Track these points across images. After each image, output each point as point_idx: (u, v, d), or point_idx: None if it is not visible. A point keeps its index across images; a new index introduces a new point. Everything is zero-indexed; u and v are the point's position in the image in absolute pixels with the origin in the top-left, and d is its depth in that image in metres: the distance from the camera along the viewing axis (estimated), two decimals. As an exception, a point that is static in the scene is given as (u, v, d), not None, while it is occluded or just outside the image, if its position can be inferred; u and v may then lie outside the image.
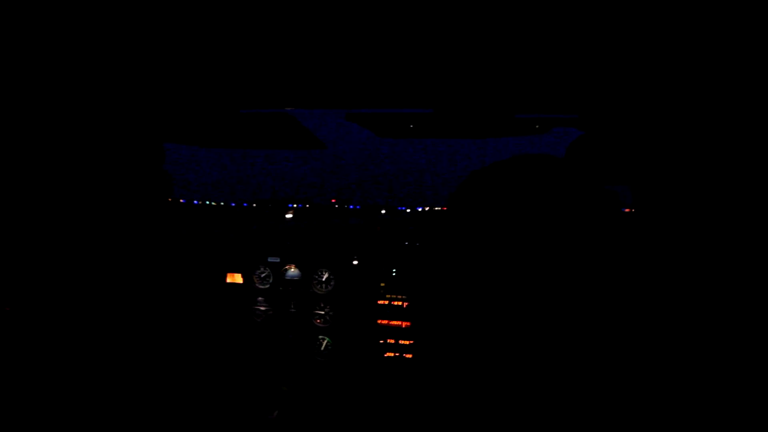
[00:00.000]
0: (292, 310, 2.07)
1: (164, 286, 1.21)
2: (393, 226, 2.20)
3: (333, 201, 2.31)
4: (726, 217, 0.79)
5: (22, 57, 1.02)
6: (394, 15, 0.80)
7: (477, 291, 0.59)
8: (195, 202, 2.28)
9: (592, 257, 0.57)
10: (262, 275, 2.12)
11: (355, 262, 2.04)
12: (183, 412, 1.19)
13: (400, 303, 1.96)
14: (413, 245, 2.08)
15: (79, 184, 1.08)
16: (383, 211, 2.24)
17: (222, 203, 2.32)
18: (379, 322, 1.97)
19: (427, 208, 2.21)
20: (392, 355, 1.94)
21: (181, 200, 2.24)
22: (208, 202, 2.31)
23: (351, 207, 2.26)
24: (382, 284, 1.99)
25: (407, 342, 1.93)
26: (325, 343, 2.04)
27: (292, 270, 2.10)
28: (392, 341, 1.95)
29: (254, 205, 2.33)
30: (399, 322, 1.95)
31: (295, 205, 2.30)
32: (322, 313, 2.05)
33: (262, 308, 2.10)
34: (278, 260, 2.10)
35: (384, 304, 1.97)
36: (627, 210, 0.97)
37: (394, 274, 1.98)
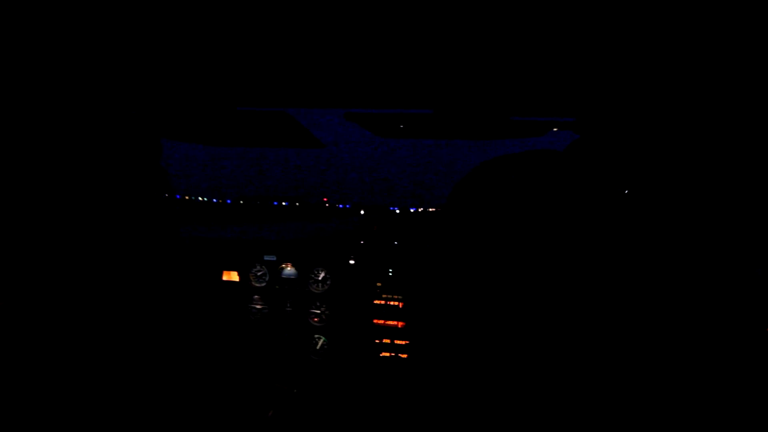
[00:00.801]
0: (288, 308, 2.07)
1: (159, 283, 1.20)
2: (390, 225, 2.21)
3: (325, 200, 2.31)
4: (724, 219, 0.79)
5: (18, 53, 1.02)
6: (394, 15, 0.80)
7: (472, 290, 0.60)
8: (189, 198, 2.28)
9: (590, 257, 0.58)
10: (259, 273, 2.11)
11: (352, 262, 2.04)
12: (177, 410, 1.19)
13: (396, 303, 1.96)
14: (410, 245, 2.08)
15: (74, 180, 1.08)
16: (373, 211, 2.24)
17: (216, 200, 2.32)
18: (374, 321, 1.97)
19: (420, 209, 2.21)
20: (388, 354, 1.95)
21: (176, 196, 2.24)
22: (203, 199, 2.31)
23: (341, 206, 2.26)
24: (379, 284, 1.99)
25: (403, 342, 1.94)
26: (320, 342, 2.04)
27: (289, 268, 2.10)
28: (388, 341, 1.95)
29: (241, 201, 2.33)
30: (395, 322, 1.95)
31: (282, 203, 2.30)
32: (318, 312, 2.05)
33: (258, 307, 2.09)
34: (274, 258, 2.10)
35: (380, 304, 1.97)
36: (624, 211, 0.98)
37: (390, 273, 1.99)
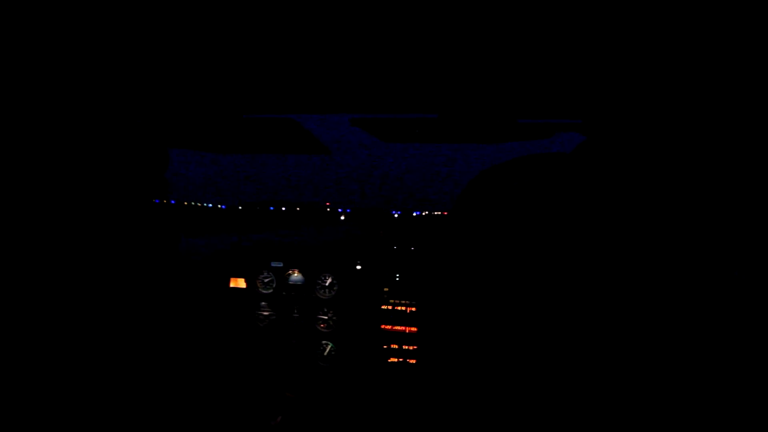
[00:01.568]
0: (296, 315, 2.07)
1: (168, 291, 1.21)
2: (397, 230, 2.20)
3: (327, 204, 2.31)
4: (730, 220, 0.78)
5: (27, 60, 1.03)
6: (400, 20, 0.80)
7: (480, 294, 0.59)
8: (195, 204, 2.29)
9: (598, 261, 0.57)
10: (266, 280, 2.12)
11: (359, 267, 2.04)
12: (186, 417, 1.19)
13: (403, 308, 1.95)
14: (417, 250, 2.07)
15: (83, 189, 1.08)
16: (376, 215, 2.23)
17: (223, 206, 2.33)
18: (382, 327, 1.96)
19: (425, 213, 2.20)
20: (396, 360, 1.94)
21: (195, 204, 2.25)
22: (208, 205, 2.32)
23: (339, 210, 2.26)
24: (386, 289, 1.98)
25: (411, 347, 1.92)
26: (328, 348, 2.04)
27: (296, 275, 2.10)
28: (396, 346, 1.94)
29: (240, 207, 2.34)
30: (403, 328, 1.94)
31: (283, 208, 2.29)
32: (326, 318, 2.04)
33: (265, 313, 2.09)
34: (281, 265, 2.10)
35: (387, 309, 1.97)
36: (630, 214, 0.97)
37: (397, 279, 1.98)
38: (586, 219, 0.58)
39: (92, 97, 1.28)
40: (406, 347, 1.93)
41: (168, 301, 1.16)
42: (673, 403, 0.63)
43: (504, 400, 0.59)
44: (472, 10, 0.75)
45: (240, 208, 2.35)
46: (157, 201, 1.22)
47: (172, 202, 2.19)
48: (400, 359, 1.93)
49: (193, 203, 2.26)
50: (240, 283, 2.12)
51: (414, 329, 1.93)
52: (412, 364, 1.92)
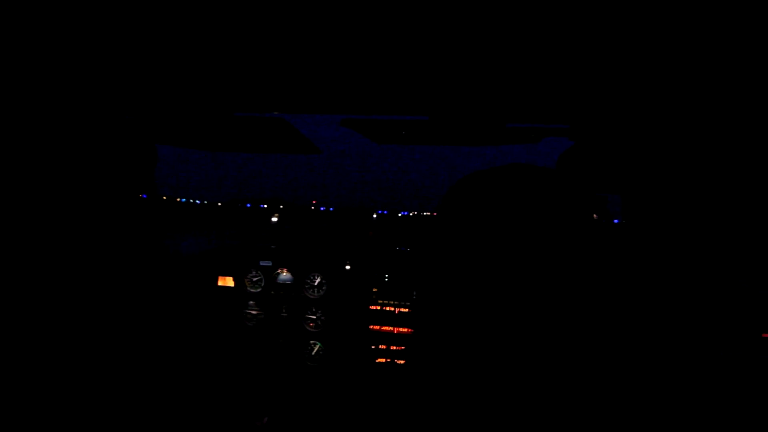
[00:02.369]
0: (284, 314, 2.07)
1: (153, 288, 1.20)
2: (385, 230, 2.21)
3: (314, 202, 2.31)
4: (714, 225, 0.80)
5: (13, 55, 1.02)
6: (391, 22, 0.80)
7: (466, 297, 0.60)
8: (182, 200, 2.27)
9: (584, 265, 0.58)
10: (254, 279, 2.11)
11: (348, 267, 2.04)
12: (171, 417, 1.18)
13: (392, 309, 1.96)
14: (407, 250, 2.08)
15: (68, 185, 1.07)
16: (361, 214, 2.24)
17: (206, 201, 2.32)
18: (371, 327, 1.96)
19: (412, 213, 2.21)
20: (384, 360, 1.94)
21: (180, 199, 2.23)
22: (195, 201, 2.30)
23: (322, 209, 2.27)
24: (375, 289, 1.99)
25: (399, 348, 1.93)
26: (316, 348, 2.04)
27: (284, 274, 2.09)
28: (384, 347, 1.94)
29: (218, 204, 2.33)
30: (391, 328, 1.95)
31: (265, 206, 2.29)
32: (314, 317, 2.04)
33: (254, 312, 2.09)
34: (270, 264, 2.10)
35: (376, 310, 1.97)
36: (617, 219, 0.99)
37: (386, 279, 1.98)
38: (573, 224, 0.59)
39: (80, 92, 1.26)
40: (394, 348, 1.94)
41: (154, 299, 1.16)
42: (669, 402, 0.64)
43: (494, 401, 0.60)
44: (463, 14, 0.76)
45: (219, 205, 2.34)
46: (144, 196, 1.21)
47: (163, 198, 2.17)
48: (388, 359, 1.93)
49: (177, 199, 2.24)
50: (228, 281, 2.11)
51: (403, 330, 1.94)
52: (400, 364, 1.92)
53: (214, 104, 1.39)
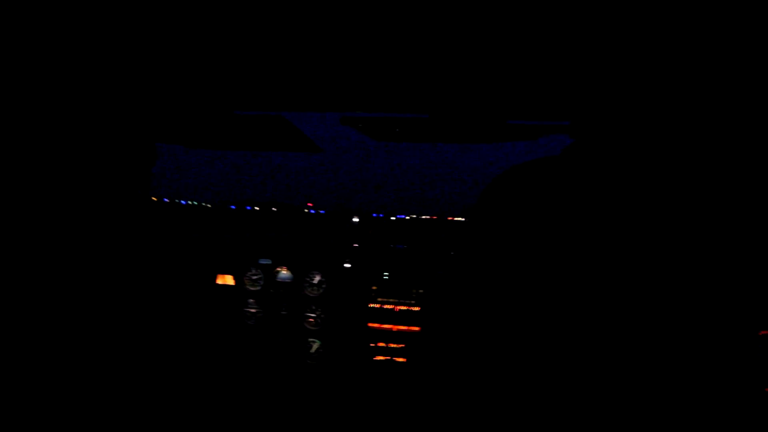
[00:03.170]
0: (283, 312, 2.06)
1: (152, 287, 1.20)
2: (386, 230, 2.21)
3: (310, 204, 2.31)
4: (720, 222, 0.80)
5: (11, 53, 1.02)
6: (391, 20, 0.80)
7: (496, 297, 0.60)
8: (183, 202, 2.27)
9: (603, 262, 0.58)
10: (254, 277, 2.10)
11: (347, 265, 2.04)
12: (170, 416, 1.18)
13: (391, 306, 1.96)
14: (407, 249, 2.08)
15: (67, 183, 1.07)
16: (355, 218, 2.24)
17: (207, 204, 2.31)
18: (369, 325, 1.96)
19: (408, 217, 2.22)
20: (383, 358, 1.94)
21: (181, 201, 2.23)
22: (196, 203, 2.30)
23: (313, 212, 2.27)
24: (374, 287, 1.99)
25: (398, 345, 1.93)
26: (315, 346, 2.04)
27: (284, 272, 2.09)
28: (383, 345, 1.94)
29: (208, 205, 2.33)
30: (390, 326, 1.95)
31: (256, 208, 2.29)
32: (313, 315, 2.04)
33: (253, 310, 2.08)
34: (269, 262, 2.09)
35: (375, 308, 1.97)
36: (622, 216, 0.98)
37: (386, 277, 1.99)
38: (584, 222, 0.59)
39: (79, 90, 1.26)
40: (394, 345, 1.94)
41: (152, 297, 1.15)
42: (676, 403, 0.64)
43: (498, 401, 0.60)
44: (464, 12, 0.76)
45: (208, 206, 2.34)
46: (143, 196, 1.20)
47: (164, 200, 2.17)
48: (387, 357, 1.93)
49: (175, 201, 2.24)
50: (227, 280, 2.10)
51: (402, 327, 1.94)
52: (400, 362, 1.92)
53: (214, 102, 1.39)
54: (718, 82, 0.91)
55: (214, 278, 2.11)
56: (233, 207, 2.33)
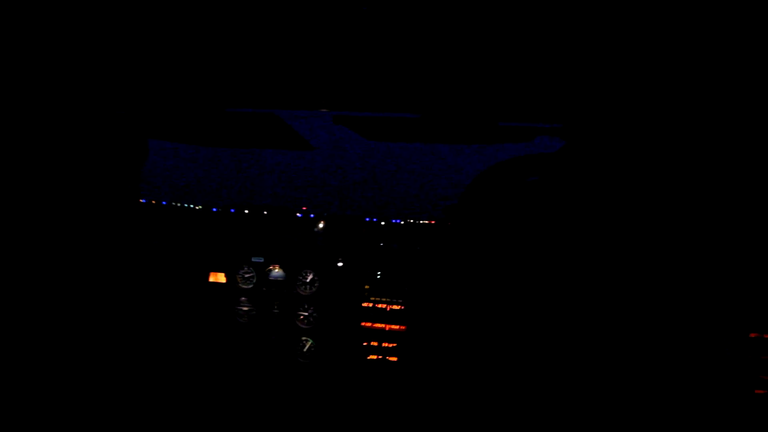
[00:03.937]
0: (276, 310, 2.06)
1: (144, 284, 1.19)
2: (378, 230, 2.20)
3: (303, 208, 2.30)
4: (711, 225, 0.80)
5: (4, 51, 1.00)
6: (384, 20, 0.80)
7: (480, 294, 0.60)
8: (175, 204, 2.26)
9: (586, 261, 0.58)
10: (246, 275, 2.10)
11: (340, 264, 2.03)
12: (163, 411, 1.17)
13: (384, 306, 1.96)
14: (399, 248, 2.08)
15: (58, 180, 1.06)
16: (347, 222, 2.23)
17: (199, 207, 2.30)
18: (362, 324, 1.96)
19: (402, 222, 2.21)
20: (375, 357, 1.94)
21: (176, 203, 2.21)
22: (188, 206, 2.29)
23: (304, 215, 2.26)
24: (367, 287, 1.99)
25: (391, 345, 1.93)
26: (308, 344, 2.03)
27: (277, 270, 2.08)
28: (375, 344, 1.94)
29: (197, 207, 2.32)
30: (383, 325, 1.95)
31: (245, 211, 2.28)
32: (306, 314, 2.04)
33: (245, 308, 2.08)
34: (262, 260, 2.09)
35: (368, 307, 1.97)
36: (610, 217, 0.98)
37: (378, 276, 1.98)
38: (577, 222, 0.59)
39: (71, 87, 1.24)
40: (386, 344, 1.94)
41: (144, 294, 1.15)
42: (666, 403, 0.64)
43: (491, 398, 0.60)
44: (458, 14, 0.75)
45: (197, 208, 2.32)
46: (133, 194, 1.20)
47: (163, 203, 2.15)
48: (380, 356, 1.94)
49: (174, 204, 2.23)
50: (220, 277, 2.10)
51: (395, 326, 1.94)
52: (392, 361, 1.93)
53: (206, 100, 1.38)
54: (710, 86, 0.90)
55: (207, 276, 2.11)
56: (214, 210, 2.31)
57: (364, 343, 1.95)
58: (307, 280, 2.05)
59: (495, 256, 0.59)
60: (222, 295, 2.09)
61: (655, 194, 0.86)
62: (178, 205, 2.26)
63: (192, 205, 2.29)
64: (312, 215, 2.24)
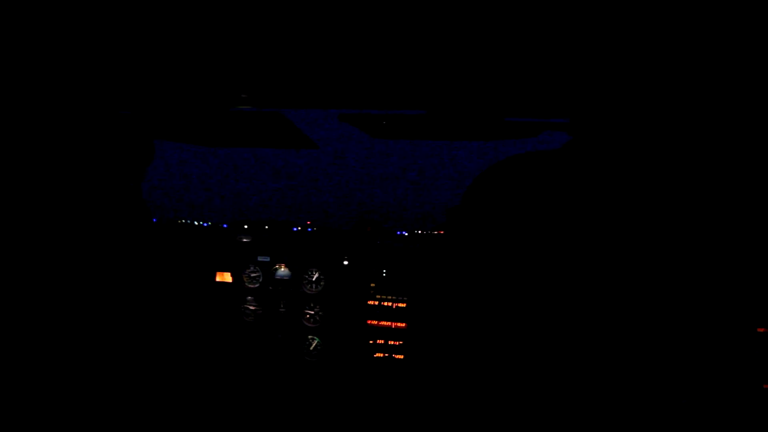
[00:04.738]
0: (282, 309, 2.06)
1: (151, 284, 1.19)
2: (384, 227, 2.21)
3: (308, 223, 2.31)
4: (719, 220, 0.80)
5: (8, 51, 1.01)
6: (389, 17, 0.79)
7: (482, 293, 0.60)
8: (180, 221, 2.29)
9: (593, 260, 0.58)
10: (252, 275, 2.10)
11: (346, 263, 2.04)
12: (170, 413, 1.18)
13: (390, 304, 1.96)
14: (404, 246, 2.08)
15: (65, 180, 1.06)
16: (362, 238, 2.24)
17: (206, 224, 2.33)
18: (368, 322, 1.96)
19: (406, 234, 2.23)
20: (382, 355, 1.94)
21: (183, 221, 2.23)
22: (194, 223, 2.32)
23: (295, 228, 2.27)
24: (372, 285, 1.99)
25: (397, 343, 1.93)
26: (314, 343, 2.04)
27: (282, 269, 2.09)
28: (382, 342, 1.95)
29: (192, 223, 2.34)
30: (389, 323, 1.95)
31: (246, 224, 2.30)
32: (312, 313, 2.04)
33: (252, 308, 2.08)
34: (268, 259, 2.09)
35: (374, 305, 1.97)
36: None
37: (384, 274, 1.98)
38: (582, 221, 0.59)
39: (77, 87, 1.25)
40: (392, 342, 1.94)
41: (151, 294, 1.15)
42: (674, 399, 0.64)
43: (493, 398, 0.60)
44: (462, 9, 0.75)
45: (191, 222, 2.34)
46: (137, 196, 1.20)
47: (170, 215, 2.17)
48: (386, 354, 1.94)
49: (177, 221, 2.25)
50: (226, 277, 2.10)
51: (401, 324, 1.94)
52: (398, 359, 1.93)
53: (210, 99, 1.38)
54: (715, 82, 0.90)
55: (213, 276, 2.11)
56: (205, 223, 2.34)
57: (371, 341, 1.95)
58: (313, 279, 2.05)
59: (498, 254, 0.58)
60: (228, 294, 2.10)
61: (663, 188, 0.86)
62: (186, 222, 2.28)
63: (200, 222, 2.31)
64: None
